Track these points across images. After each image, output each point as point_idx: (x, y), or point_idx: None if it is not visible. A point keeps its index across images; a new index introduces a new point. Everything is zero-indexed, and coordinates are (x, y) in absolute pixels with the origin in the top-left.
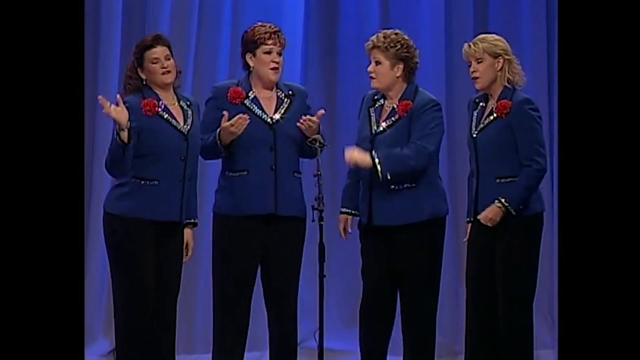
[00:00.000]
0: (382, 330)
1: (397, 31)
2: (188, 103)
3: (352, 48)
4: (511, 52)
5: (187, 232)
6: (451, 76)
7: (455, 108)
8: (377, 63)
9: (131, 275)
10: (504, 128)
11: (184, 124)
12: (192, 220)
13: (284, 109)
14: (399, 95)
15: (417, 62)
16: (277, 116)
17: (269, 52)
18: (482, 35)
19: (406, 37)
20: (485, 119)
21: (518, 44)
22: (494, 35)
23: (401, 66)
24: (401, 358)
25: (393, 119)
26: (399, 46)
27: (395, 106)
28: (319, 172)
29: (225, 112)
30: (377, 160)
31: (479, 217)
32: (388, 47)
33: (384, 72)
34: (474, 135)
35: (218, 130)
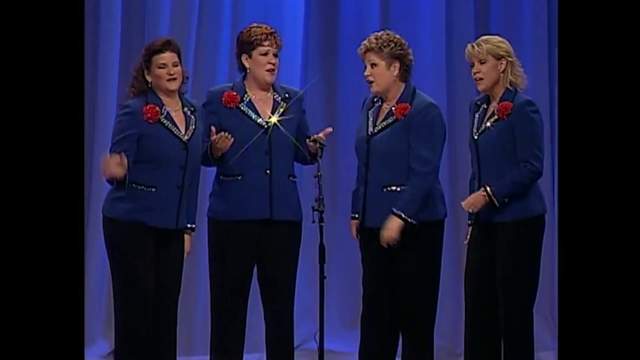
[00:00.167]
0: (382, 333)
1: (388, 31)
2: (192, 109)
3: (352, 48)
4: (514, 54)
5: (186, 237)
6: (452, 77)
7: (456, 109)
8: (373, 65)
9: (130, 278)
10: (505, 130)
11: (185, 132)
12: (190, 225)
13: (280, 112)
14: (397, 97)
15: (411, 60)
16: (272, 120)
17: (265, 54)
18: (485, 37)
19: (398, 36)
20: (487, 121)
21: (519, 45)
22: (497, 37)
23: (397, 65)
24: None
25: (389, 120)
26: (392, 45)
27: (393, 108)
28: (319, 173)
29: (212, 127)
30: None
31: (462, 203)
32: (382, 47)
33: (381, 73)
34: (475, 137)
35: (209, 142)
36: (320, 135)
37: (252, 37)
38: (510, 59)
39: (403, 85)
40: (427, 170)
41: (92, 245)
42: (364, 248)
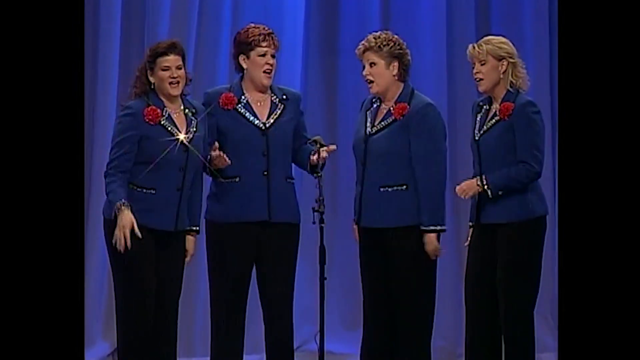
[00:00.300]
0: (380, 334)
1: (387, 31)
2: (193, 111)
3: (352, 49)
4: (517, 55)
5: (189, 240)
6: (453, 77)
7: (457, 110)
8: (372, 65)
9: (130, 279)
10: (506, 130)
11: (186, 134)
12: (194, 227)
13: (277, 114)
14: (396, 97)
15: (410, 61)
16: (270, 121)
17: (263, 55)
18: (487, 37)
19: (396, 36)
20: (489, 122)
21: (520, 46)
22: (499, 37)
23: (396, 64)
24: None
25: (388, 120)
26: (391, 44)
27: (391, 108)
28: (319, 174)
29: (216, 143)
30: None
31: (456, 187)
32: (381, 46)
33: (380, 73)
34: (477, 138)
35: (209, 158)
36: (325, 148)
37: (250, 37)
38: (511, 60)
39: (402, 86)
40: (437, 170)
41: (92, 245)
42: (362, 249)
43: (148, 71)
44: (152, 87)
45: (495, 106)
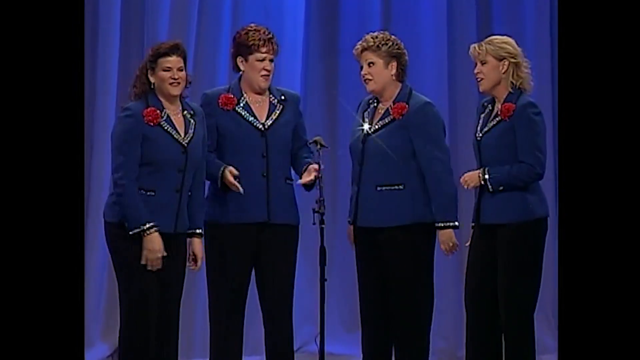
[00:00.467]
0: (379, 334)
1: (383, 31)
2: (192, 112)
3: (353, 49)
4: (520, 56)
5: (195, 243)
6: (453, 77)
7: (457, 109)
8: (370, 64)
9: (132, 280)
10: (507, 131)
11: (185, 136)
12: (197, 230)
13: (276, 115)
14: (393, 97)
15: (407, 61)
16: (269, 122)
17: (261, 60)
18: (491, 37)
19: (394, 36)
20: (490, 122)
21: (521, 45)
22: (503, 37)
23: (394, 64)
24: None
25: (386, 120)
26: (390, 43)
27: (389, 108)
28: (319, 175)
29: (233, 170)
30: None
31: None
32: (379, 45)
33: (378, 72)
34: (478, 138)
35: (223, 169)
36: (314, 166)
37: (250, 41)
38: (513, 60)
39: (399, 86)
40: (443, 169)
41: (91, 246)
42: (358, 249)
43: (149, 71)
44: (152, 87)
45: (498, 106)
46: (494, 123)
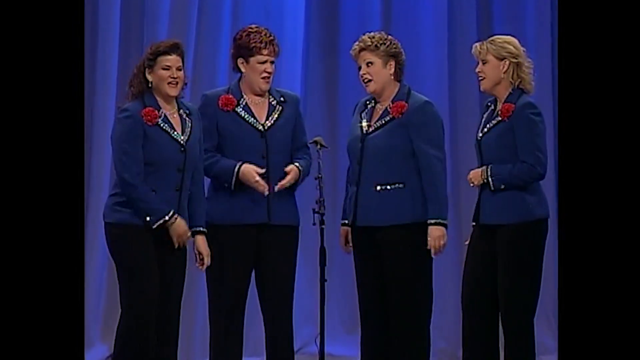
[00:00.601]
0: (378, 334)
1: (380, 32)
2: (187, 112)
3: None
4: (522, 56)
5: (199, 240)
6: (454, 77)
7: (458, 109)
8: (369, 64)
9: (134, 281)
10: (506, 131)
11: (182, 135)
12: (201, 228)
13: (276, 116)
14: (392, 97)
15: (405, 61)
16: (268, 123)
17: (262, 62)
18: (494, 37)
19: (390, 36)
20: (490, 122)
21: (522, 44)
22: (506, 37)
23: (392, 63)
24: None
25: (385, 119)
26: (388, 43)
27: (388, 107)
28: (320, 175)
29: (258, 170)
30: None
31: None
32: (378, 45)
33: (378, 72)
34: (479, 138)
35: (239, 166)
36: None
37: (252, 44)
38: (514, 60)
39: (397, 85)
40: (440, 168)
41: (91, 247)
42: (357, 249)
43: (147, 69)
44: (149, 85)
45: (499, 106)
46: (494, 123)
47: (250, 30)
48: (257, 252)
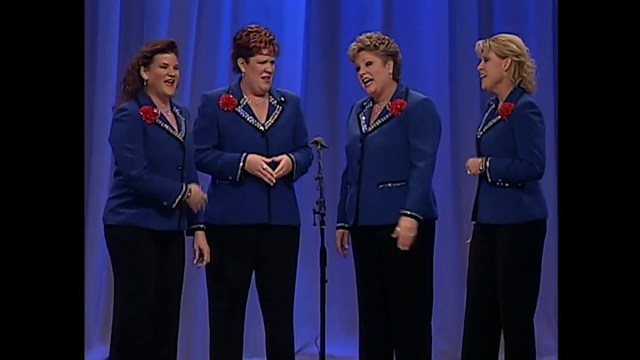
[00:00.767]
0: (378, 334)
1: (376, 32)
2: (179, 110)
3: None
4: (525, 55)
5: (199, 236)
6: (455, 76)
7: (459, 109)
8: (369, 64)
9: (134, 283)
10: (505, 130)
11: (179, 132)
12: (200, 225)
13: (276, 116)
14: (390, 96)
15: (401, 60)
16: (269, 123)
17: (262, 62)
18: (498, 35)
19: (387, 36)
20: (490, 121)
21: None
22: (509, 35)
23: (391, 63)
24: None
25: (385, 117)
26: (386, 42)
27: (387, 106)
28: (320, 175)
29: (265, 159)
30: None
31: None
32: (376, 44)
33: (378, 71)
34: (479, 137)
35: (245, 156)
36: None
37: (252, 44)
38: (516, 58)
39: (395, 85)
40: (426, 164)
41: (90, 247)
42: (357, 250)
43: (142, 67)
44: (145, 84)
45: (500, 105)
46: (494, 122)
47: (249, 30)
48: (258, 252)
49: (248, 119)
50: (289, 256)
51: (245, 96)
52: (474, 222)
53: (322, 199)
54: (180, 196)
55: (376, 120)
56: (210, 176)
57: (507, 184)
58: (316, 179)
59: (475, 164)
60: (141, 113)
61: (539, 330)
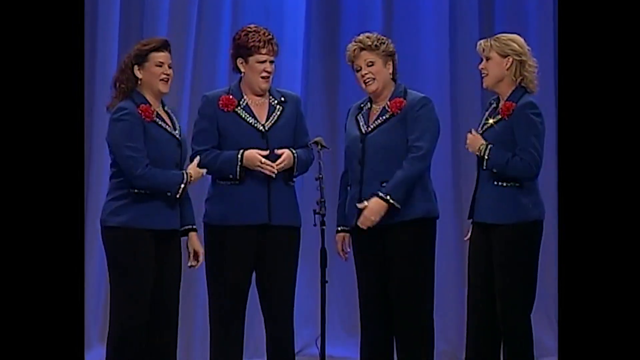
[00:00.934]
0: (379, 335)
1: (373, 32)
2: (170, 108)
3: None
4: (526, 54)
5: (193, 237)
6: (455, 75)
7: (459, 108)
8: (370, 64)
9: (129, 283)
10: (505, 130)
11: (175, 130)
12: (192, 226)
13: (276, 116)
14: (389, 96)
15: (397, 60)
16: (269, 124)
17: (262, 62)
18: (500, 34)
19: (384, 36)
20: (491, 120)
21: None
22: (511, 35)
23: (391, 63)
24: None
25: (384, 117)
26: (386, 42)
27: (386, 105)
28: (320, 176)
29: (261, 152)
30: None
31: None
32: (377, 44)
33: (379, 71)
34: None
35: (242, 153)
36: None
37: (251, 43)
38: (517, 58)
39: (394, 85)
40: (417, 155)
41: (90, 248)
42: (358, 250)
43: (135, 66)
44: (139, 82)
45: (501, 104)
46: (495, 121)
47: (248, 29)
48: (258, 253)
49: (248, 119)
50: (290, 257)
51: (245, 96)
52: (470, 221)
53: (322, 200)
54: (183, 184)
55: (375, 120)
56: (210, 176)
57: (505, 184)
58: (316, 179)
59: (476, 143)
60: (140, 112)
61: (539, 330)
